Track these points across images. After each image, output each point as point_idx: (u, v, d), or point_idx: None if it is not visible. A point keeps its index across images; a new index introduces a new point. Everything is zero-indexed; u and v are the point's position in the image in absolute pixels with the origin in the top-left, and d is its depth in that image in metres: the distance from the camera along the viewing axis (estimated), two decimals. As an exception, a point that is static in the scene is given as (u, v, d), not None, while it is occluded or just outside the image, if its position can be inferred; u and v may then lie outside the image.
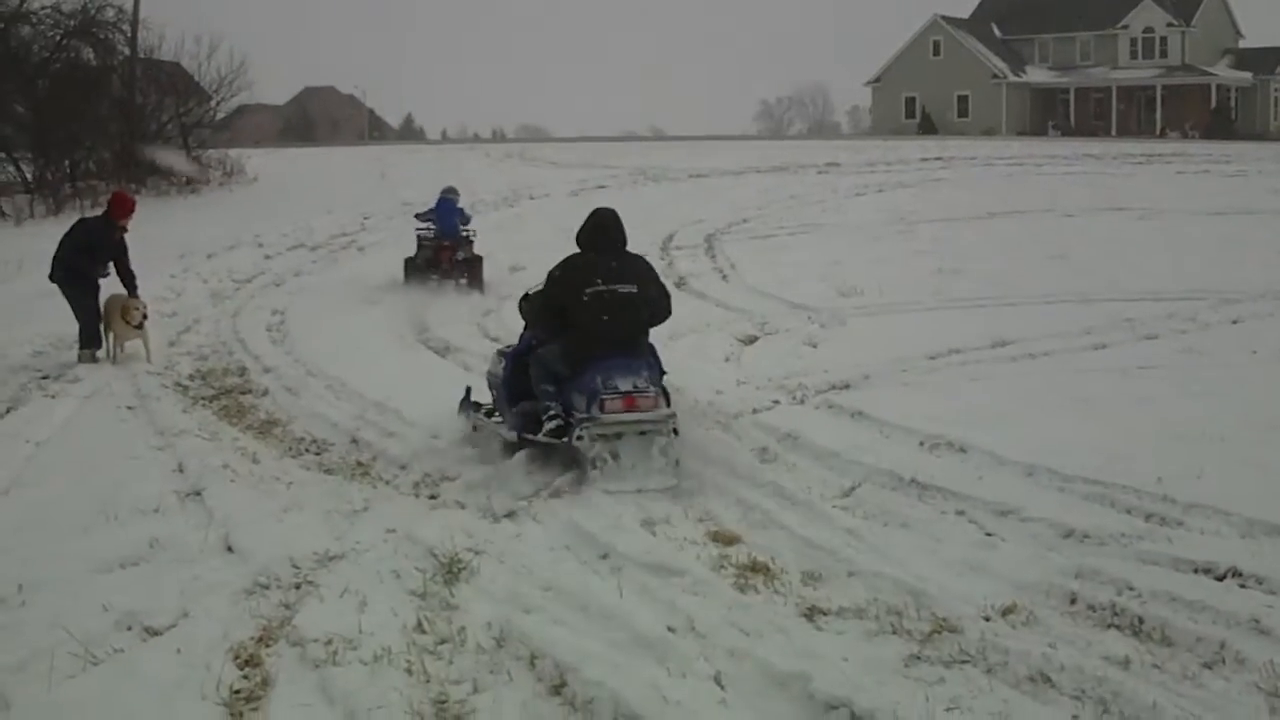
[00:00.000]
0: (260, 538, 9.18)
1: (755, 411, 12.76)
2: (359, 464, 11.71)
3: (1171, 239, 25.22)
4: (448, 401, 13.30)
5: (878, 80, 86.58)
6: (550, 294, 11.49)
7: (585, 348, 11.08)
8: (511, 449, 11.29)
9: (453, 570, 8.57)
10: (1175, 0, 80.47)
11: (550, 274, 11.61)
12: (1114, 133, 76.74)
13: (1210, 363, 14.59)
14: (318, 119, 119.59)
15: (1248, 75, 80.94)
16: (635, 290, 11.56)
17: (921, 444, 11.34)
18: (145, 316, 16.86)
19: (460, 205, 24.53)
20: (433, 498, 10.54)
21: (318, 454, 12.21)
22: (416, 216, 24.63)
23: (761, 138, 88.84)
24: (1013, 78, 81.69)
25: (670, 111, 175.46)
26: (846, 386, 13.70)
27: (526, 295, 12.28)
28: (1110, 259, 22.41)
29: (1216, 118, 75.95)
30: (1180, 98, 78.06)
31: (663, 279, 12.54)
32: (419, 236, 23.97)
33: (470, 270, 23.39)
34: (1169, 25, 79.94)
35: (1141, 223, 27.74)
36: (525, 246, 26.01)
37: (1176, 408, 12.32)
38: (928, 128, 79.03)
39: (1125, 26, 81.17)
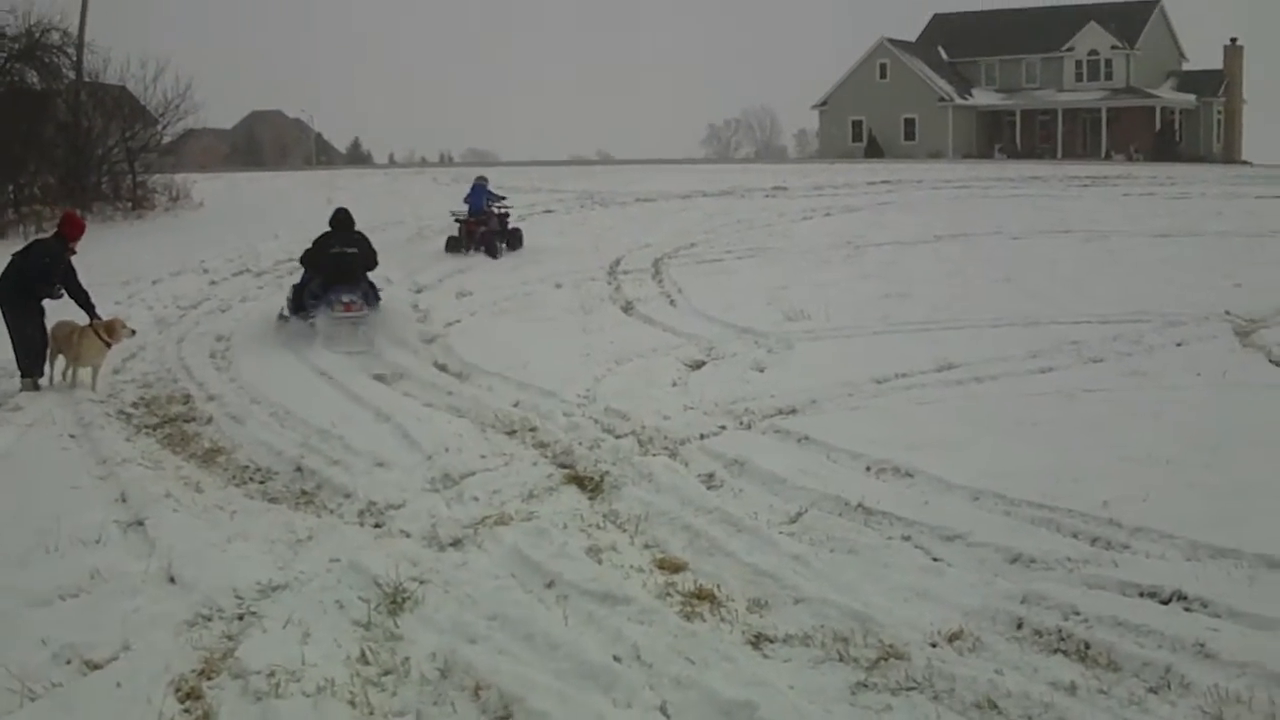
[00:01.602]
0: (203, 568, 9.11)
1: (702, 437, 12.75)
2: (303, 493, 11.64)
3: (1117, 261, 25.33)
4: (392, 431, 13.29)
5: (824, 104, 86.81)
6: (311, 254, 20.26)
7: (328, 280, 19.64)
8: (288, 321, 19.81)
9: (397, 600, 8.53)
10: (1120, 23, 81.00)
11: (314, 241, 20.35)
12: (1060, 155, 77.17)
13: (1155, 385, 14.66)
14: (265, 143, 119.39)
15: (1191, 98, 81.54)
16: (355, 252, 20.02)
17: (868, 469, 11.36)
18: (133, 331, 17.34)
19: (490, 189, 30.31)
20: (377, 526, 10.48)
21: (262, 483, 12.14)
22: (452, 213, 30.25)
23: (709, 161, 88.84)
24: (959, 100, 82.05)
25: (617, 135, 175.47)
26: (793, 411, 13.70)
27: (304, 255, 20.61)
28: (1056, 282, 22.49)
29: (1161, 140, 76.48)
30: (1125, 120, 78.55)
31: (371, 243, 20.42)
32: (455, 219, 29.72)
33: (504, 238, 29.42)
34: (1113, 48, 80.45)
35: (1087, 245, 27.85)
36: (466, 270, 25.99)
37: (1122, 431, 12.38)
38: (874, 151, 79.31)
39: (1070, 49, 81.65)
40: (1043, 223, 31.95)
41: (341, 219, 20.43)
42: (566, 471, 11.77)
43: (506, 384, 15.64)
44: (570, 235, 31.23)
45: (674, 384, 15.48)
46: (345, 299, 19.17)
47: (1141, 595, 8.21)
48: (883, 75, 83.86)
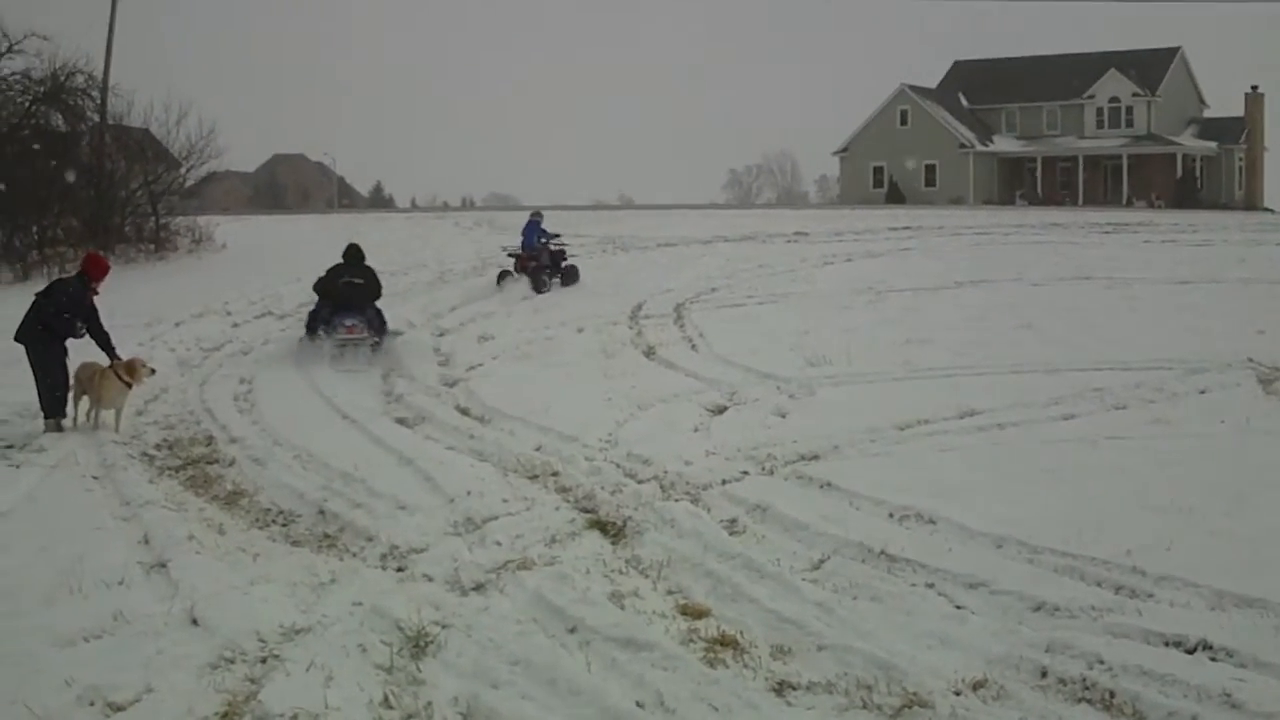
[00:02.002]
0: (226, 610, 9.11)
1: (724, 483, 12.74)
2: (326, 535, 11.65)
3: (1139, 308, 25.30)
4: (415, 475, 13.31)
5: (845, 150, 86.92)
6: (323, 282, 22.75)
7: (337, 307, 22.23)
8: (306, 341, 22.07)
9: (420, 644, 8.53)
10: (1141, 70, 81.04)
11: (326, 271, 22.86)
12: (1081, 202, 77.12)
13: (1178, 433, 14.63)
14: (287, 186, 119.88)
15: (1213, 144, 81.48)
16: (362, 282, 22.65)
17: (891, 515, 11.35)
18: (153, 371, 17.22)
19: (544, 226, 31.52)
20: (400, 570, 10.48)
21: (284, 525, 12.16)
22: (504, 248, 32.44)
23: (730, 207, 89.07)
24: (980, 147, 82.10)
25: (639, 180, 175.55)
26: (816, 457, 13.70)
27: (316, 283, 22.94)
28: (1078, 328, 22.45)
29: (1182, 187, 76.40)
30: (1146, 167, 78.52)
31: (378, 276, 23.19)
32: (508, 253, 31.48)
33: (556, 273, 30.80)
34: (1134, 95, 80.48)
35: (1109, 292, 27.81)
36: (489, 315, 26.03)
37: (1145, 478, 12.35)
38: (895, 197, 79.35)
39: (1091, 96, 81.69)
40: (1064, 269, 31.90)
41: (352, 252, 23.25)
42: (589, 516, 11.78)
43: (528, 428, 15.65)
44: (593, 279, 31.23)
45: (696, 429, 15.48)
46: (348, 323, 21.92)
47: (1166, 644, 8.18)
48: (904, 122, 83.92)
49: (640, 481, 12.90)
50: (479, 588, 9.87)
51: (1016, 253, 37.10)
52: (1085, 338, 21.28)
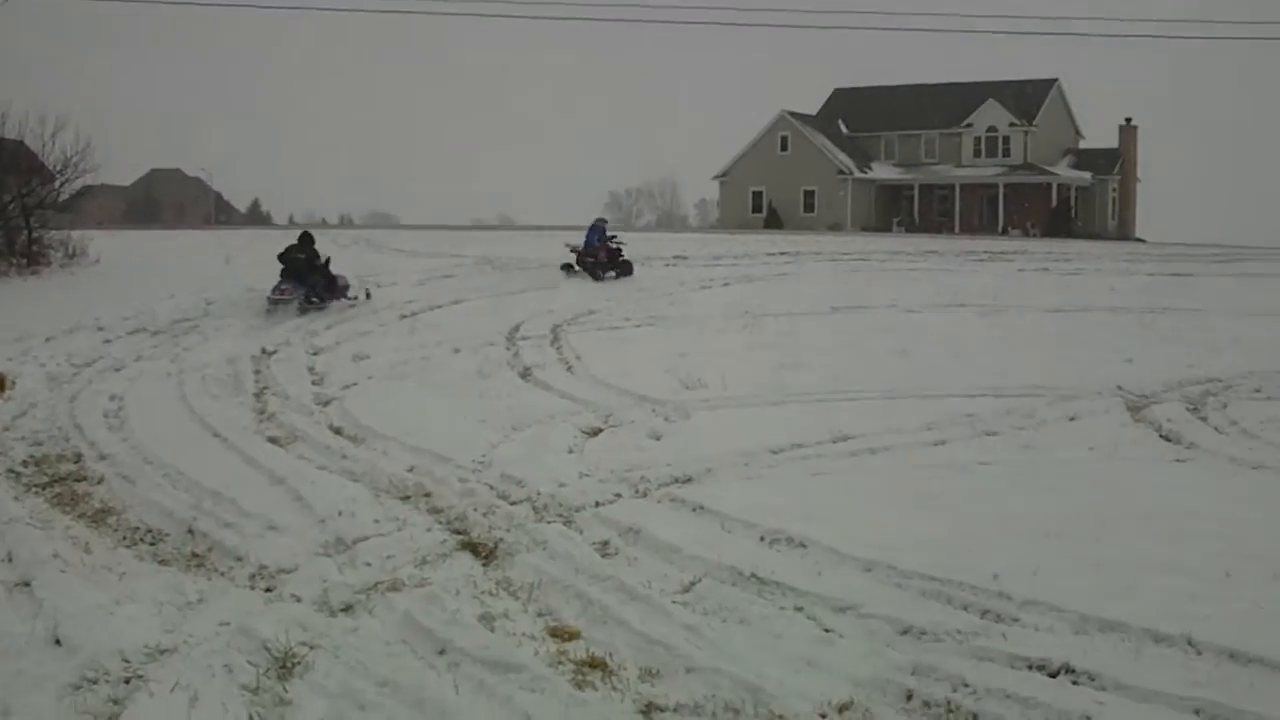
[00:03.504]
0: (90, 630, 9.00)
1: (597, 505, 12.76)
2: (194, 555, 11.53)
3: (1011, 336, 25.63)
4: (285, 494, 13.21)
5: (725, 174, 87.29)
6: (281, 255, 29.48)
7: (284, 274, 28.91)
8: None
9: (287, 665, 8.47)
10: (1018, 101, 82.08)
11: (285, 248, 29.60)
12: (957, 230, 77.94)
13: (1047, 459, 14.85)
14: (164, 201, 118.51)
15: (1087, 175, 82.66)
16: (303, 256, 29.25)
17: (762, 539, 11.41)
18: (14, 383, 16.96)
19: (606, 231, 38.34)
20: (269, 590, 10.40)
21: (152, 544, 12.02)
22: (567, 244, 37.99)
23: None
24: (858, 174, 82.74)
25: (519, 201, 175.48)
26: (689, 480, 13.74)
27: (279, 255, 29.57)
28: (951, 355, 22.71)
29: (1057, 216, 77.43)
30: (1022, 196, 79.49)
31: (318, 253, 29.84)
32: (570, 249, 37.44)
33: (611, 268, 36.62)
34: (1011, 125, 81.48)
35: (982, 319, 28.16)
36: (365, 334, 25.89)
37: (1014, 504, 12.52)
38: (774, 222, 79.80)
39: (969, 125, 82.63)
40: (939, 296, 32.24)
41: (304, 236, 30.86)
42: (460, 538, 11.75)
43: (402, 448, 15.57)
44: (471, 300, 31.16)
45: (570, 451, 15.48)
46: (282, 286, 28.94)
47: (1030, 668, 8.29)
48: (784, 148, 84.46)
49: (513, 503, 12.89)
50: (348, 609, 9.81)
51: (893, 279, 37.43)
52: (958, 364, 21.52)
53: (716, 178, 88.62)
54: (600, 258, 37.05)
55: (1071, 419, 17.32)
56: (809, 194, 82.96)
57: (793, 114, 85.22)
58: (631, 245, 39.43)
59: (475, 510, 12.57)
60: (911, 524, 11.76)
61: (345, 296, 29.94)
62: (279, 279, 29.18)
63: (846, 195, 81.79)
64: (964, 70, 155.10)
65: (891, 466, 14.48)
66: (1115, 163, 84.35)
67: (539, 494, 13.13)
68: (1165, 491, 13.31)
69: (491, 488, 13.56)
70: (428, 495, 13.30)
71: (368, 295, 30.96)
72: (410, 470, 14.43)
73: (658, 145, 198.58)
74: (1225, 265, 45.19)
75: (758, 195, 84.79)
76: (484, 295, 32.37)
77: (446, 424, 16.78)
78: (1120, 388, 19.29)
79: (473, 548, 11.43)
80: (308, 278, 29.26)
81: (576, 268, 36.94)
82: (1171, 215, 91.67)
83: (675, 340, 24.66)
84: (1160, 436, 16.39)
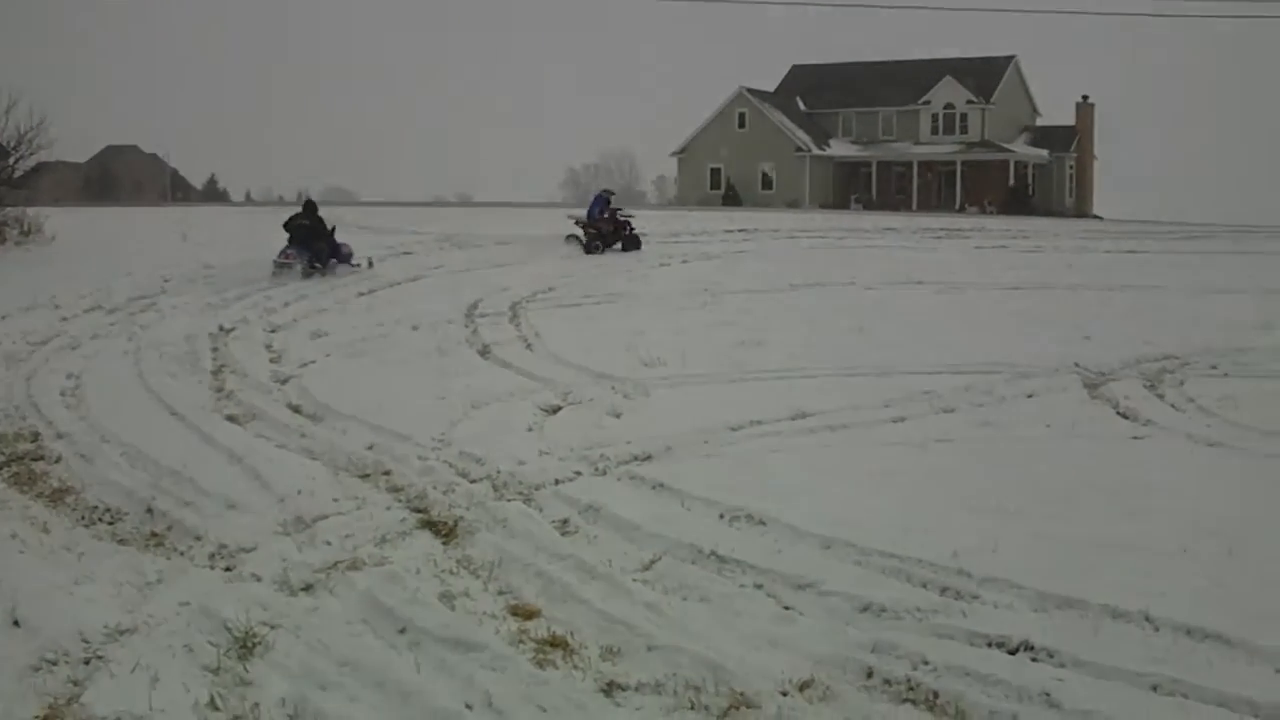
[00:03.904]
0: (49, 611, 8.96)
1: (557, 483, 12.74)
2: (153, 534, 11.49)
3: (969, 313, 25.70)
4: (244, 473, 13.17)
5: (683, 151, 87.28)
6: (286, 223, 31.69)
7: (290, 241, 31.07)
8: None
9: (247, 645, 8.46)
10: (976, 78, 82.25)
11: (290, 216, 32.14)
12: (915, 207, 78.17)
13: (1006, 436, 14.90)
14: (120, 178, 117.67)
15: (1044, 153, 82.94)
16: (308, 223, 31.19)
17: (722, 516, 11.43)
18: None
19: (612, 204, 38.90)
20: (228, 569, 10.37)
21: (111, 524, 11.96)
22: (570, 216, 39.91)
23: (568, 205, 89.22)
24: (816, 151, 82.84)
25: (478, 178, 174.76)
26: (648, 458, 13.74)
27: (285, 223, 31.98)
28: (909, 332, 22.75)
29: (1014, 193, 77.69)
30: (980, 173, 79.73)
31: (324, 221, 31.89)
32: (574, 221, 38.61)
33: (620, 240, 37.91)
34: (969, 102, 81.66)
35: (940, 296, 28.23)
36: (323, 311, 25.82)
37: (972, 481, 12.57)
38: (732, 199, 79.84)
39: (927, 102, 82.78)
40: (897, 274, 32.32)
41: (308, 205, 32.91)
42: (420, 516, 11.73)
43: (361, 427, 15.52)
44: (430, 277, 31.13)
45: (530, 429, 15.46)
46: (287, 251, 31.08)
47: (989, 645, 8.34)
48: (741, 124, 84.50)
49: (473, 481, 12.87)
50: (308, 588, 9.80)
51: (851, 256, 37.52)
52: (917, 342, 21.56)
53: (674, 154, 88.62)
54: (603, 230, 37.76)
55: (1029, 396, 17.38)
56: (767, 171, 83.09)
57: (751, 91, 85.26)
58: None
59: (435, 488, 12.55)
60: (870, 501, 11.80)
61: (350, 263, 32.22)
62: (286, 245, 31.43)
63: (805, 172, 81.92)
64: (921, 47, 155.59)
65: (850, 444, 14.52)
66: (1072, 140, 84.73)
67: (499, 472, 13.11)
68: (1122, 468, 13.37)
69: (451, 466, 13.54)
70: (387, 473, 13.27)
71: (370, 263, 32.93)
72: (369, 448, 14.39)
73: (617, 120, 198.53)
74: (1183, 243, 45.47)
75: (716, 172, 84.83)
76: (443, 272, 32.35)
77: (405, 402, 16.73)
78: (1078, 365, 19.35)
79: (432, 526, 11.42)
80: (312, 244, 31.42)
81: (581, 239, 37.86)
82: (1129, 193, 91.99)
83: (635, 318, 24.67)
84: (1118, 414, 16.45)
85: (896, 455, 13.81)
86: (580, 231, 38.20)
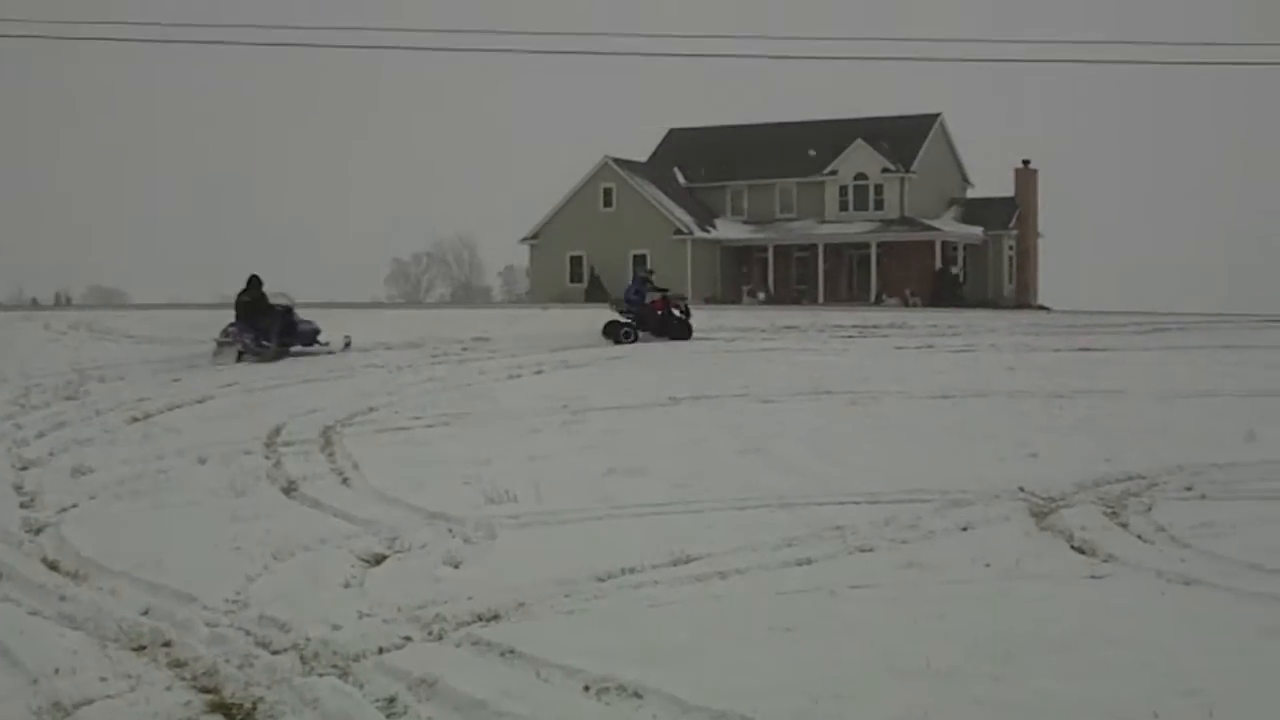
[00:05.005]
0: None
1: (381, 651, 12.65)
2: None
3: (889, 429, 25.86)
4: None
5: (536, 236, 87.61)
6: (236, 302, 39.13)
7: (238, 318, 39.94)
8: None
9: None
10: (893, 142, 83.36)
11: (237, 295, 39.62)
12: (822, 299, 78.89)
13: (936, 580, 14.96)
14: None
15: (978, 230, 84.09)
16: (249, 300, 37.93)
17: (587, 688, 11.37)
18: None
19: (650, 282, 46.45)
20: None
21: None
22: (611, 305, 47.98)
23: (395, 305, 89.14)
24: (700, 233, 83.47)
25: (284, 271, 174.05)
26: (496, 617, 13.67)
27: (237, 301, 39.75)
28: (816, 454, 22.83)
29: (942, 280, 78.64)
30: (899, 257, 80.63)
31: (266, 296, 38.51)
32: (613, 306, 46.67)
33: (670, 329, 44.59)
34: (885, 171, 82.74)
35: (853, 409, 28.40)
36: (87, 442, 25.58)
37: (897, 636, 12.60)
38: (598, 293, 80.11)
39: (834, 173, 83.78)
40: (800, 382, 32.55)
41: (251, 280, 38.89)
42: (210, 698, 11.61)
43: (135, 586, 15.35)
44: (220, 398, 30.96)
45: (347, 584, 15.36)
46: (228, 329, 37.41)
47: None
48: (607, 203, 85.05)
49: (275, 652, 12.76)
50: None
51: (744, 362, 37.77)
52: (825, 465, 21.68)
53: (525, 240, 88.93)
54: (644, 314, 44.54)
55: (964, 529, 17.49)
56: (640, 258, 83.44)
57: (618, 161, 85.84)
58: (419, 326, 39.97)
59: (228, 662, 12.42)
60: (771, 665, 11.80)
61: (317, 343, 38.51)
62: (230, 323, 37.69)
63: (685, 259, 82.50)
64: (827, 105, 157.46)
65: (745, 593, 14.51)
66: (1011, 215, 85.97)
67: (308, 640, 12.99)
68: (1079, 616, 13.45)
69: (248, 633, 13.41)
70: (167, 645, 13.11)
71: (347, 343, 39.12)
72: (145, 613, 14.22)
73: (454, 202, 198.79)
74: (1146, 337, 46.25)
75: (576, 261, 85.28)
76: (238, 390, 32.18)
77: (190, 554, 16.57)
78: (1023, 489, 19.53)
79: (225, 710, 11.30)
80: (258, 321, 37.38)
81: (625, 322, 44.05)
82: (1081, 277, 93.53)
83: (477, 443, 24.64)
84: (1072, 548, 16.59)
85: (802, 606, 13.82)
86: (621, 318, 44.06)
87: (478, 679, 11.63)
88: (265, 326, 36.93)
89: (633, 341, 42.94)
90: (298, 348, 38.21)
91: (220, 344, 37.14)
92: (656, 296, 45.41)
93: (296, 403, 29.62)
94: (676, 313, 45.07)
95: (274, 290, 40.93)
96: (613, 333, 43.78)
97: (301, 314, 40.66)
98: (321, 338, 38.73)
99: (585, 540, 17.08)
